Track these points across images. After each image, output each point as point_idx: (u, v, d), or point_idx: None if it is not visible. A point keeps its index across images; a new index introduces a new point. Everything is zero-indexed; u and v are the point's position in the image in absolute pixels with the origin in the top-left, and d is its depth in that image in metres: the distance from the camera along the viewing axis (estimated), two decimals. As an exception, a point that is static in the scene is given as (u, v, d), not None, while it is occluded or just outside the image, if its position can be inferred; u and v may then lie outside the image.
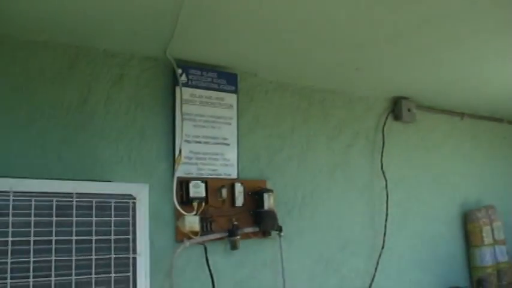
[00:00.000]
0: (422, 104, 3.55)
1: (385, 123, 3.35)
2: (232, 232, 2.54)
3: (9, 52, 2.20)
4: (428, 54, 2.68)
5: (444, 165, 3.67)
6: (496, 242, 3.65)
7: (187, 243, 2.41)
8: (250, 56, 2.64)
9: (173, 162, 2.47)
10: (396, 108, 3.41)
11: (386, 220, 3.21)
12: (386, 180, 3.25)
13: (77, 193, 1.85)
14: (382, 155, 3.29)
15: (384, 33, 2.39)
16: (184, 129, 2.51)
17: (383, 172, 3.26)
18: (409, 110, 3.42)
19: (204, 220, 2.49)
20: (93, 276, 1.84)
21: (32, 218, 1.76)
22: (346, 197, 3.13)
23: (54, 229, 1.79)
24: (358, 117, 3.28)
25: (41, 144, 2.21)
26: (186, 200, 2.45)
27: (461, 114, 3.81)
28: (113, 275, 1.88)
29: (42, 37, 2.25)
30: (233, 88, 2.72)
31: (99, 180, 2.06)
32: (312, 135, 3.05)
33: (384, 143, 3.31)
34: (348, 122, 3.22)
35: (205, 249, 2.47)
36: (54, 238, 1.79)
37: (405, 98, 3.42)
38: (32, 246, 1.74)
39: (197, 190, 2.47)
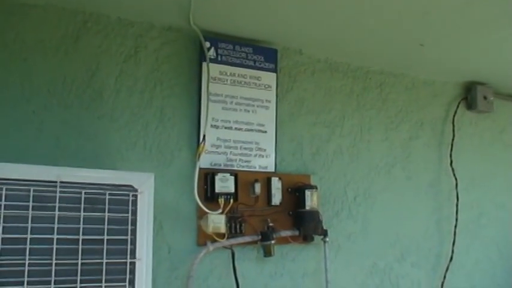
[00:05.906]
0: (501, 91, 3.16)
1: (455, 113, 2.97)
2: (266, 235, 2.22)
3: (0, 16, 1.91)
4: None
5: (526, 164, 3.25)
6: None
7: (210, 247, 2.11)
8: (293, 29, 2.31)
9: (197, 150, 2.13)
10: (470, 95, 3.05)
11: (455, 226, 2.83)
12: (456, 180, 2.87)
13: (61, 182, 1.53)
14: (451, 150, 2.91)
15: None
16: (211, 113, 2.19)
17: (452, 170, 2.87)
18: (485, 98, 3.06)
19: (232, 220, 2.18)
20: (79, 285, 1.51)
21: (2, 211, 1.44)
22: (407, 198, 2.76)
23: (29, 225, 1.48)
24: (423, 105, 2.90)
25: (37, 126, 1.91)
26: (210, 196, 2.15)
27: (548, 105, 3.34)
28: (103, 284, 1.55)
29: (42, 0, 1.96)
30: (272, 66, 2.39)
31: (98, 168, 1.75)
32: (367, 124, 2.69)
33: (454, 136, 2.93)
34: (411, 110, 2.85)
35: (233, 254, 2.17)
36: (29, 236, 1.47)
37: (481, 84, 3.06)
38: (-1, 246, 1.43)
39: (224, 184, 2.17)
